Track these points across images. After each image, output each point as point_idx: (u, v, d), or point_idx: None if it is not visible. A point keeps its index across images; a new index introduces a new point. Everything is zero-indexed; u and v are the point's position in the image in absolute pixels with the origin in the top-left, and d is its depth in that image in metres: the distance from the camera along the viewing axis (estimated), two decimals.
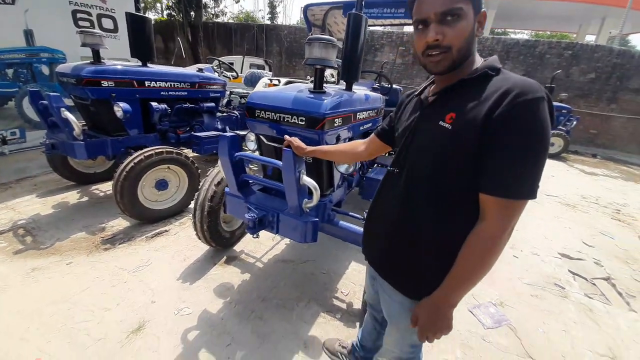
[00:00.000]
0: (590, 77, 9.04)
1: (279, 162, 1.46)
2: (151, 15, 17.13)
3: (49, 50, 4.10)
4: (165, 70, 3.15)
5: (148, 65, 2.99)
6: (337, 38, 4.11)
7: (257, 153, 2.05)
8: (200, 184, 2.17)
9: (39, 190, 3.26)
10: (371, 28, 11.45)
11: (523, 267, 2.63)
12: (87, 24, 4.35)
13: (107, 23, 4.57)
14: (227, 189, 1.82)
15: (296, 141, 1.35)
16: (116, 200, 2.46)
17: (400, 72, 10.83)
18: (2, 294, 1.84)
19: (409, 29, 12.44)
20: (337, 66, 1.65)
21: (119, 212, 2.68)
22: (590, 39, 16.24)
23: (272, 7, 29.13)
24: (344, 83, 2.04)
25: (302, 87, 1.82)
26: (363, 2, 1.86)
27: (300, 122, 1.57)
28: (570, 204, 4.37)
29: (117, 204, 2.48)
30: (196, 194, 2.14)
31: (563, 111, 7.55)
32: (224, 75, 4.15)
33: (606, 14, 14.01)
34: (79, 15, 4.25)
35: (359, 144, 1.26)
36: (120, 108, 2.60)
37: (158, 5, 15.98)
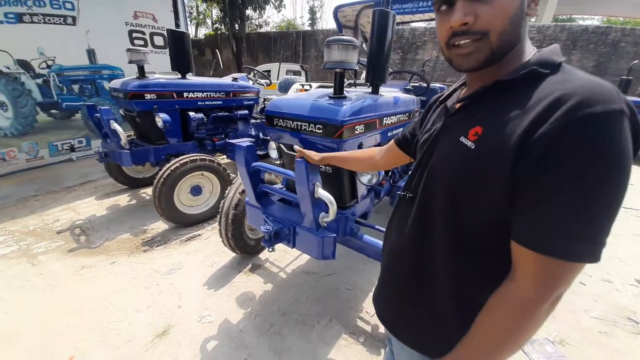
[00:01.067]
0: None
1: (292, 173, 1.38)
2: (202, 31, 18.61)
3: (110, 67, 4.64)
4: (201, 81, 3.31)
5: (186, 77, 3.17)
6: None
7: (279, 162, 2.01)
8: (226, 192, 2.20)
9: (98, 193, 3.66)
10: (412, 25, 10.95)
11: (591, 297, 2.19)
12: (141, 42, 4.84)
13: (159, 40, 5.04)
14: (247, 199, 1.80)
15: (307, 152, 1.26)
16: (155, 205, 2.63)
17: (443, 70, 10.15)
18: (52, 290, 2.05)
19: None
20: (358, 68, 1.52)
21: (158, 215, 2.87)
22: None
23: (312, 13, 29.79)
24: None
25: (323, 93, 1.72)
26: None
27: (317, 130, 1.48)
28: None
29: (155, 207, 2.65)
30: (222, 201, 2.17)
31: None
32: (258, 83, 4.25)
33: None
34: (134, 34, 4.75)
35: (376, 152, 1.08)
36: (160, 119, 2.78)
37: (208, 20, 17.34)
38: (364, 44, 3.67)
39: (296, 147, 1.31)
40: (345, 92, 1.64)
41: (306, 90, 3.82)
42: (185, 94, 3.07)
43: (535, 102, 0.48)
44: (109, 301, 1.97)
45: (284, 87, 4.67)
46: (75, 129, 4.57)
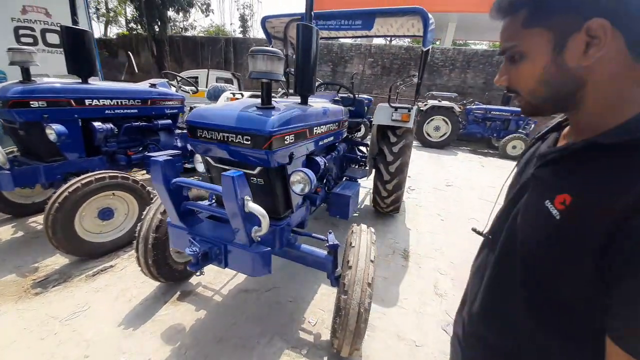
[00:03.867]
0: None
1: (219, 188, 1.29)
2: (115, 30, 16.46)
3: None
4: (109, 86, 2.88)
5: (89, 82, 2.72)
6: None
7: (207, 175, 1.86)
8: (144, 213, 1.93)
9: None
10: (340, 40, 11.67)
11: None
12: (30, 40, 3.98)
13: (53, 38, 4.21)
14: (168, 219, 1.61)
15: None
16: (47, 236, 2.14)
17: (370, 83, 11.06)
18: None
19: (377, 41, 12.83)
20: (284, 79, 1.52)
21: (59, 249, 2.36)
22: None
23: (243, 21, 29.26)
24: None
25: (251, 102, 1.67)
26: (312, 13, 1.77)
27: (245, 142, 1.42)
28: None
29: (49, 239, 2.16)
30: (138, 225, 1.90)
31: (522, 115, 8.00)
32: (182, 90, 3.93)
33: None
34: (21, 31, 3.88)
35: None
36: (53, 130, 2.31)
37: (121, 19, 15.39)
38: (294, 55, 3.75)
39: None
40: (273, 103, 1.62)
41: (237, 99, 3.68)
42: (87, 102, 2.62)
43: (634, 182, 0.41)
44: None
45: (214, 95, 4.42)
46: None
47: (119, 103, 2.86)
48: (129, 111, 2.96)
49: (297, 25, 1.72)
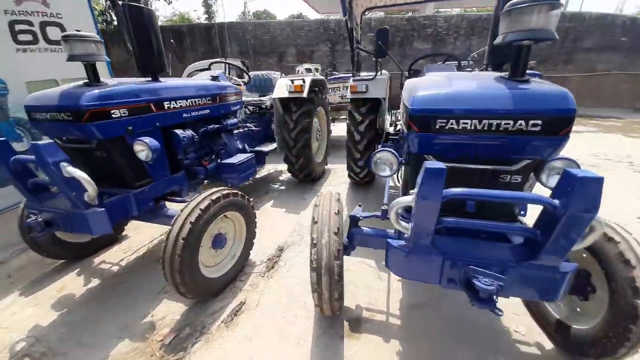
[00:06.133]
0: (547, 43, 9.69)
1: (545, 198, 0.93)
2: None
3: None
4: (182, 83, 2.30)
5: (159, 79, 2.14)
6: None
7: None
8: (314, 235, 1.51)
9: (20, 284, 2.21)
10: (339, 16, 10.92)
11: None
12: (29, 37, 3.12)
13: (54, 32, 3.38)
14: (408, 246, 1.21)
15: None
16: (174, 283, 1.65)
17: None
18: None
19: (376, 14, 12.22)
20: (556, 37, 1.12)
21: (162, 293, 1.90)
22: None
23: (208, 7, 27.11)
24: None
25: (483, 77, 1.29)
26: None
27: (532, 128, 1.05)
28: (592, 165, 4.50)
29: (176, 286, 1.67)
30: (313, 252, 1.48)
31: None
32: (233, 82, 3.36)
33: None
34: (17, 27, 3.04)
35: None
36: (145, 146, 1.76)
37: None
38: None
39: None
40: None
41: (301, 85, 3.19)
42: (166, 104, 2.06)
43: None
44: None
45: (256, 86, 3.87)
46: None
47: (194, 103, 2.30)
48: (202, 112, 2.41)
49: None
